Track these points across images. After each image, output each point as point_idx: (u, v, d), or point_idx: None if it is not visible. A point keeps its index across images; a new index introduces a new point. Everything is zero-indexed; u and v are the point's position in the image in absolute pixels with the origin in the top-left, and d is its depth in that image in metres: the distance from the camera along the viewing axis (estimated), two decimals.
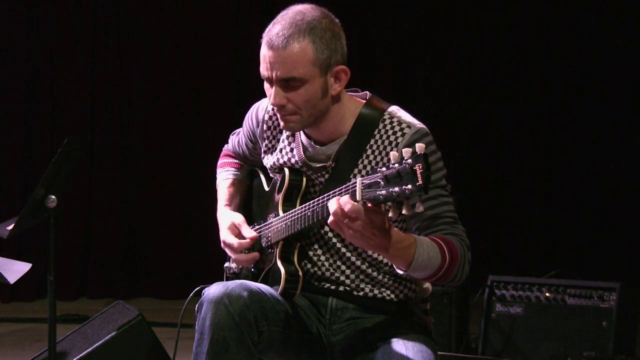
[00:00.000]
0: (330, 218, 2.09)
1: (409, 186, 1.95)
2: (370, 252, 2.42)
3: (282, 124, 2.43)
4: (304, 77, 2.32)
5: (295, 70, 2.31)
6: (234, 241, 2.56)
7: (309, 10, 2.35)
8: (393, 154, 2.01)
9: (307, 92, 2.34)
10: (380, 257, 2.43)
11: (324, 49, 2.32)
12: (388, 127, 2.39)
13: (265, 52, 2.35)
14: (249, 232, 2.56)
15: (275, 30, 2.33)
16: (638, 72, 6.10)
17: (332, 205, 2.07)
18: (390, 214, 2.05)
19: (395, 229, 2.17)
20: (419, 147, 1.97)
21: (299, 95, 2.34)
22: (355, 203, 2.06)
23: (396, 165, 1.99)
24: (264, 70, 2.36)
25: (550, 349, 3.94)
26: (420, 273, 2.23)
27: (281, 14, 2.37)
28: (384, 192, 2.00)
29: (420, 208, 1.99)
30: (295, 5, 2.38)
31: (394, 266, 2.25)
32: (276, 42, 2.31)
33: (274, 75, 2.34)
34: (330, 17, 2.37)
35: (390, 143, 2.37)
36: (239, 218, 2.61)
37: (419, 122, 2.40)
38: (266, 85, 2.40)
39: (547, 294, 4.01)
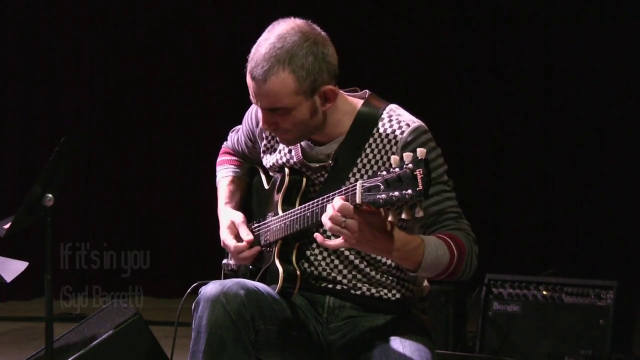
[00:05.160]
0: (328, 224, 2.11)
1: (409, 191, 1.97)
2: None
3: (278, 139, 2.45)
4: (288, 106, 2.32)
5: (278, 101, 2.32)
6: (232, 243, 2.56)
7: (290, 33, 2.32)
8: (394, 158, 2.03)
9: (295, 118, 2.34)
10: (380, 257, 2.43)
11: (306, 76, 2.30)
12: (387, 125, 2.39)
13: (249, 82, 2.36)
14: (246, 234, 2.55)
15: (256, 58, 2.32)
16: (636, 72, 6.10)
17: (327, 213, 2.12)
18: (390, 218, 2.06)
19: (401, 232, 2.19)
20: (420, 152, 1.98)
21: (287, 120, 2.35)
22: (345, 202, 2.08)
23: (397, 169, 2.00)
24: (251, 96, 2.38)
25: (548, 347, 3.94)
26: (429, 273, 2.25)
27: (264, 35, 2.35)
28: (383, 195, 2.01)
29: (420, 213, 2.00)
30: (280, 24, 2.35)
31: (403, 268, 2.27)
32: (256, 74, 2.31)
33: (259, 104, 2.36)
34: (314, 37, 2.33)
35: (389, 141, 2.37)
36: (238, 217, 2.61)
37: (417, 120, 2.41)
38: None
39: (545, 292, 4.01)
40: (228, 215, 2.64)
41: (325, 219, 2.13)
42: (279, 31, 2.33)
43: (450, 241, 2.26)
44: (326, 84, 2.34)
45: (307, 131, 2.40)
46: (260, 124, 2.41)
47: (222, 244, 2.63)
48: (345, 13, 6.28)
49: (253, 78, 2.33)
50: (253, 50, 2.35)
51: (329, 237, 2.23)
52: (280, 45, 2.30)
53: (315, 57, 2.31)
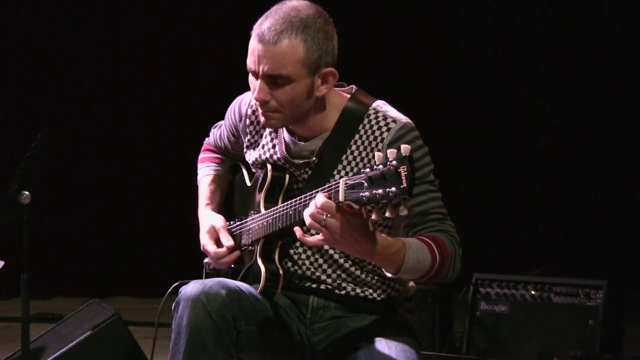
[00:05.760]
0: (308, 220, 2.08)
1: (393, 188, 1.94)
2: None
3: (262, 119, 2.40)
4: (291, 76, 2.29)
5: (283, 67, 2.28)
6: (212, 249, 2.54)
7: (304, 7, 2.32)
8: (378, 155, 1.99)
9: (293, 91, 2.31)
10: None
11: (315, 50, 2.29)
12: (373, 122, 2.36)
13: (254, 45, 2.31)
14: (226, 240, 2.53)
15: (267, 23, 2.29)
16: (632, 73, 6.11)
17: (308, 209, 2.09)
18: (373, 217, 2.03)
19: (382, 234, 2.17)
20: (404, 148, 1.95)
21: (284, 93, 2.31)
22: (328, 200, 2.05)
23: (380, 166, 1.97)
24: (250, 63, 2.33)
25: (536, 347, 3.92)
26: (410, 276, 2.24)
27: (274, 7, 2.34)
28: (367, 193, 1.98)
29: (404, 212, 1.97)
30: (290, 1, 2.34)
31: (383, 269, 2.25)
32: (267, 36, 2.27)
33: (260, 69, 2.30)
34: (325, 17, 2.34)
35: (375, 138, 2.35)
36: (219, 221, 2.58)
37: (404, 117, 2.38)
38: (251, 79, 2.37)
39: (533, 292, 3.98)
40: (208, 219, 2.61)
41: (306, 215, 2.11)
42: (292, 4, 2.33)
43: (432, 244, 2.24)
44: (328, 66, 2.33)
45: (296, 113, 2.35)
46: (255, 94, 2.35)
47: (202, 248, 2.60)
48: (345, 12, 6.25)
49: (261, 40, 2.28)
50: (260, 20, 2.32)
51: (311, 235, 2.19)
52: (295, 14, 2.29)
53: (325, 36, 2.32)
